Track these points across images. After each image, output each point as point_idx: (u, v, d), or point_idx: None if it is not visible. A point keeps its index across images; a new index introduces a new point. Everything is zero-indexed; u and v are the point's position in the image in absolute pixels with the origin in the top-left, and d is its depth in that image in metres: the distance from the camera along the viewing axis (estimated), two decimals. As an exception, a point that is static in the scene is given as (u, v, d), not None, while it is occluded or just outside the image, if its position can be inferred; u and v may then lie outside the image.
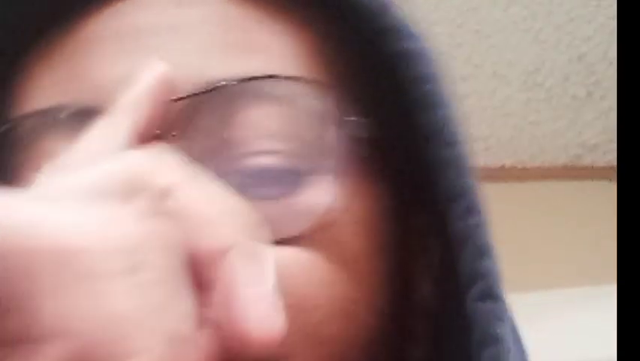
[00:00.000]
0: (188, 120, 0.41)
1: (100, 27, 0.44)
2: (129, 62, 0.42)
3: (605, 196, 1.56)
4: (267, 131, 0.41)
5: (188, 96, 0.41)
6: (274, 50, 0.44)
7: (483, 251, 0.40)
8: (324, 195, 0.41)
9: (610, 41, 1.52)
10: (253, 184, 0.41)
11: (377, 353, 0.42)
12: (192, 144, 0.41)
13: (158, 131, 0.40)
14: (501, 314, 0.40)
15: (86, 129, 0.39)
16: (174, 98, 0.41)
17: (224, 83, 0.42)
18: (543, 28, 1.51)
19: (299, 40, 0.45)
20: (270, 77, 0.42)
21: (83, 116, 0.41)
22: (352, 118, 0.42)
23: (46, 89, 0.44)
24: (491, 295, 0.40)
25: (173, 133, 0.40)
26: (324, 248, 0.41)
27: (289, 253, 0.40)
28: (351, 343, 0.41)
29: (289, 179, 0.41)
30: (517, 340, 0.44)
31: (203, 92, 0.41)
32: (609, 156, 1.59)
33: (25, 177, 0.41)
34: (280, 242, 0.40)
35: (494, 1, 1.48)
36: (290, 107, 0.42)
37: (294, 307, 0.39)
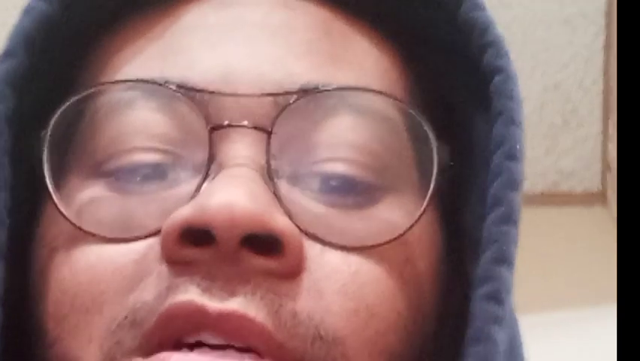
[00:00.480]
0: (277, 117, 0.41)
1: (205, 13, 0.45)
2: (232, 51, 0.43)
3: (584, 222, 1.57)
4: (353, 142, 0.42)
5: (282, 94, 0.42)
6: (367, 66, 0.45)
7: (503, 259, 0.41)
8: (406, 214, 0.42)
9: (585, 69, 1.53)
10: (331, 190, 0.41)
11: None
12: (277, 141, 0.41)
13: (225, 123, 0.41)
14: (500, 319, 0.40)
15: (181, 105, 0.41)
16: (267, 93, 0.42)
17: (320, 87, 0.42)
18: (518, 58, 1.52)
19: (387, 56, 0.46)
20: (365, 90, 0.43)
21: (182, 91, 0.42)
22: (445, 145, 0.43)
23: (143, 60, 0.44)
24: (497, 298, 0.40)
25: (262, 126, 0.41)
26: (396, 264, 0.42)
27: (363, 261, 0.41)
28: (403, 359, 0.41)
29: (367, 192, 0.42)
30: (517, 357, 0.44)
31: (297, 92, 0.42)
32: (587, 183, 1.59)
33: (116, 140, 0.42)
34: (356, 249, 0.41)
35: (470, 31, 1.49)
36: (381, 123, 0.43)
37: (362, 313, 0.40)
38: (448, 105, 0.47)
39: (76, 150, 0.44)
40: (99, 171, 0.43)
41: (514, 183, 0.41)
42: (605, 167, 1.57)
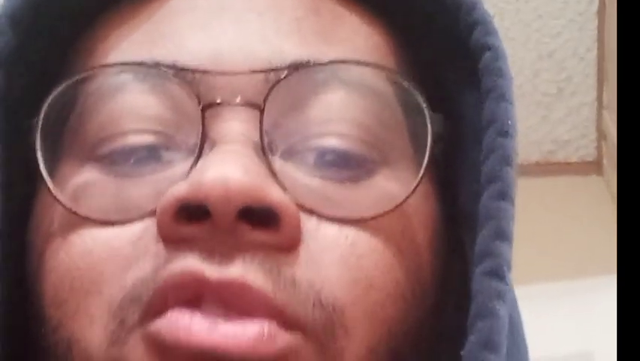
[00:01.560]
0: (270, 93, 0.42)
1: None
2: (221, 31, 0.43)
3: (580, 192, 1.57)
4: (346, 116, 0.42)
5: (273, 70, 0.42)
6: (358, 42, 0.45)
7: (501, 234, 0.41)
8: (402, 186, 0.42)
9: (579, 37, 1.52)
10: (326, 164, 0.41)
11: (420, 343, 0.43)
12: (270, 117, 0.42)
13: (217, 101, 0.41)
14: (503, 294, 0.40)
15: (172, 86, 0.42)
16: (259, 69, 0.42)
17: (311, 62, 0.42)
18: (511, 27, 1.52)
19: (378, 34, 0.46)
20: (357, 63, 0.43)
21: (173, 72, 0.42)
22: (439, 114, 0.43)
23: (132, 44, 0.44)
24: (498, 274, 0.40)
25: (254, 103, 0.41)
26: (393, 235, 0.42)
27: (360, 233, 0.41)
28: (402, 329, 0.42)
29: (362, 165, 0.42)
30: (517, 333, 0.44)
31: (287, 68, 0.42)
32: (582, 151, 1.60)
33: (109, 124, 0.41)
34: (352, 222, 0.41)
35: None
36: (374, 97, 0.43)
37: (362, 282, 0.41)
38: (437, 83, 0.47)
39: (69, 135, 0.44)
40: (92, 155, 0.43)
41: (508, 159, 0.42)
42: (601, 135, 1.57)
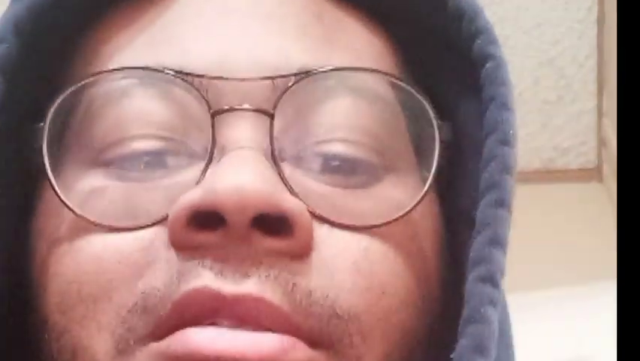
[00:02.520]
0: (278, 100, 0.42)
1: (196, 1, 0.45)
2: (226, 37, 0.43)
3: (580, 198, 1.57)
4: (353, 123, 0.43)
5: (281, 77, 0.42)
6: (361, 48, 0.45)
7: (497, 241, 0.41)
8: (409, 192, 0.43)
9: (579, 44, 1.52)
10: (333, 170, 0.41)
11: (430, 350, 0.43)
12: (278, 123, 0.42)
13: (226, 107, 0.41)
14: (495, 301, 0.40)
15: (179, 91, 0.41)
16: (266, 76, 0.42)
17: (318, 69, 0.42)
18: (511, 34, 1.52)
19: (380, 41, 0.46)
20: (364, 70, 0.43)
21: (180, 76, 0.42)
22: (446, 122, 0.43)
23: (135, 49, 0.44)
24: (492, 280, 0.40)
25: (264, 109, 0.41)
26: (403, 242, 0.42)
27: (371, 239, 0.41)
28: (415, 336, 0.42)
29: (369, 171, 0.42)
30: (506, 341, 0.44)
31: (295, 75, 0.42)
32: (582, 158, 1.59)
33: (115, 129, 0.42)
34: (364, 229, 0.41)
35: (463, 8, 1.48)
36: (380, 104, 0.43)
37: (375, 290, 0.41)
38: (438, 90, 0.47)
39: (73, 140, 0.44)
40: (99, 160, 0.43)
41: (507, 168, 0.42)
42: (601, 142, 1.57)
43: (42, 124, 0.43)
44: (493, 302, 0.40)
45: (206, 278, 0.38)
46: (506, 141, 0.42)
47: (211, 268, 0.39)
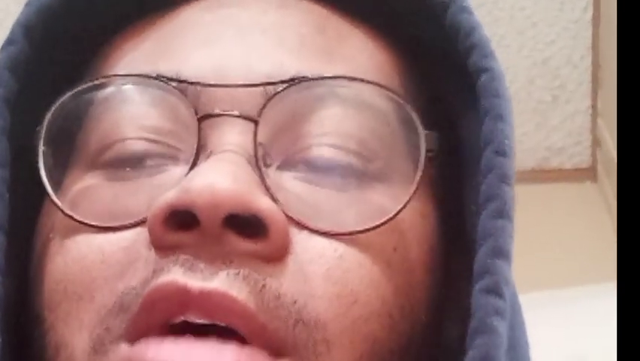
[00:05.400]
0: (265, 106, 0.42)
1: (201, 14, 0.47)
2: (224, 46, 0.44)
3: (574, 199, 1.58)
4: (342, 130, 0.43)
5: (270, 83, 0.43)
6: (361, 60, 0.45)
7: (499, 252, 0.41)
8: (396, 200, 0.42)
9: (573, 45, 1.53)
10: (319, 176, 0.42)
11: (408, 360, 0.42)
12: (267, 130, 0.42)
13: (218, 111, 0.42)
14: (502, 311, 0.40)
15: (173, 98, 0.42)
16: (257, 83, 0.43)
17: (308, 77, 0.43)
18: (506, 34, 1.52)
19: (383, 53, 0.46)
20: (354, 79, 0.43)
21: (174, 83, 0.43)
22: (434, 132, 0.44)
23: (138, 58, 0.45)
24: (497, 291, 0.40)
25: (249, 115, 0.42)
26: (384, 251, 0.42)
27: (349, 247, 0.41)
28: (388, 346, 0.42)
29: (355, 178, 0.42)
30: (519, 349, 0.44)
31: (286, 81, 0.43)
32: (576, 158, 1.60)
33: (110, 132, 0.43)
34: (343, 235, 0.41)
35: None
36: (371, 113, 0.44)
37: (345, 298, 0.41)
38: (441, 104, 0.47)
39: (75, 143, 0.45)
40: (95, 162, 0.44)
41: (505, 178, 0.42)
42: (595, 142, 1.58)
43: (39, 127, 0.44)
44: (499, 313, 0.40)
45: (175, 274, 0.39)
46: (502, 152, 0.42)
47: (182, 265, 0.39)
